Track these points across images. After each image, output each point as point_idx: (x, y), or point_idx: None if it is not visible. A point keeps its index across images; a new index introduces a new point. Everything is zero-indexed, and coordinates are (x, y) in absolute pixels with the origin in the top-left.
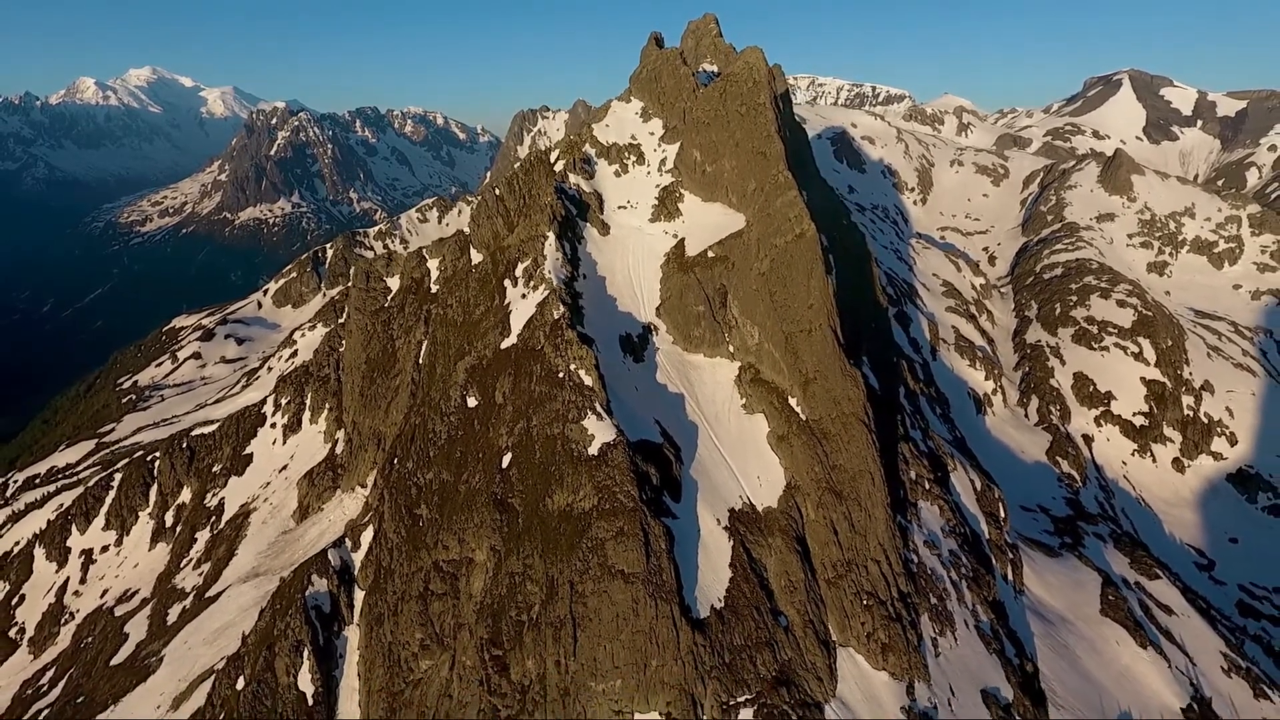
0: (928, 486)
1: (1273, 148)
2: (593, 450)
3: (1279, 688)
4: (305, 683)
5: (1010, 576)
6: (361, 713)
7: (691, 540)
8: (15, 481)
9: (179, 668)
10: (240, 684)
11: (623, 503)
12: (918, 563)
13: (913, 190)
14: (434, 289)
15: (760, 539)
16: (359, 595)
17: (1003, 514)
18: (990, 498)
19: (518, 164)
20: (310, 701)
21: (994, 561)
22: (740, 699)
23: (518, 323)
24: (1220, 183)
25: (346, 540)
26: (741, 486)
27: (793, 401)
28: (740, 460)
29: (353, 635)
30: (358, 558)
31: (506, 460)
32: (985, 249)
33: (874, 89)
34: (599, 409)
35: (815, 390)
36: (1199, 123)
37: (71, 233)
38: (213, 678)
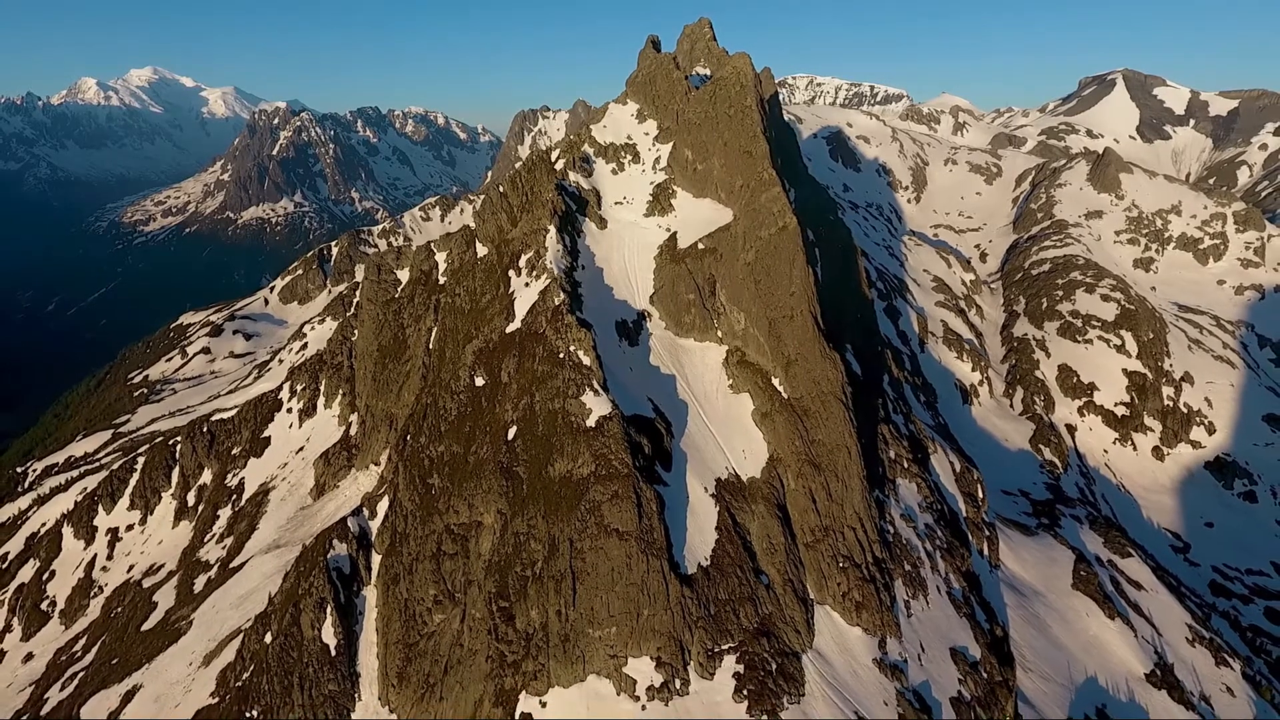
0: (906, 465)
1: (1263, 146)
2: (590, 423)
3: (1240, 657)
4: (328, 636)
5: (986, 552)
6: (379, 663)
7: (681, 505)
8: (34, 470)
9: (208, 629)
10: (268, 639)
11: (617, 469)
12: (893, 533)
13: (907, 189)
14: (442, 280)
15: (744, 505)
16: (376, 559)
17: (981, 494)
18: (969, 479)
19: (519, 163)
20: (333, 653)
21: (970, 537)
22: (724, 647)
23: (521, 309)
24: (1212, 181)
25: (364, 509)
26: (728, 458)
27: (775, 382)
28: (727, 435)
29: (370, 594)
30: (374, 525)
31: (512, 433)
32: (977, 246)
33: (872, 89)
34: (596, 386)
35: (796, 371)
36: (1191, 122)
37: (75, 232)
38: (241, 635)
